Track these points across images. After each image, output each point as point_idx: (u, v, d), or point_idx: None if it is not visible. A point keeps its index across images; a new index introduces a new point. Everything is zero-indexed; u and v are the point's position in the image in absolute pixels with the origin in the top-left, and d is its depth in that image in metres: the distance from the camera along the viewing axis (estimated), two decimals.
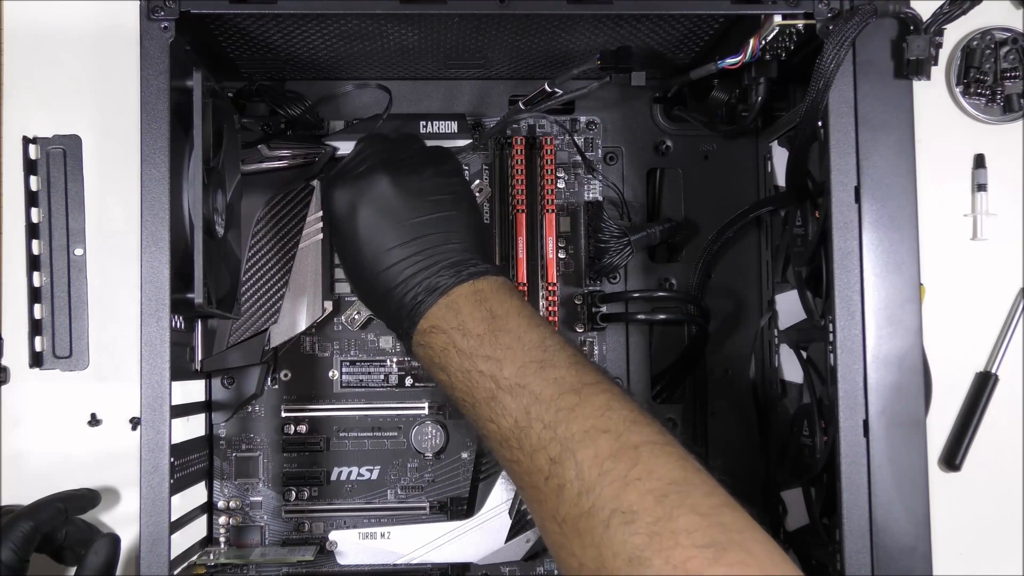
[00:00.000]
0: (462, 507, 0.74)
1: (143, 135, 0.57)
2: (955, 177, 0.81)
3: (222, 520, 0.73)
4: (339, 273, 0.74)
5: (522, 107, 0.71)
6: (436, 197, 0.59)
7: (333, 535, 0.71)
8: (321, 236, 0.72)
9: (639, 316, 0.76)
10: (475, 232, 0.60)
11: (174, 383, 0.58)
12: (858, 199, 0.59)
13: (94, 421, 0.75)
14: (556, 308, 0.72)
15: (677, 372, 0.76)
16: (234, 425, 0.74)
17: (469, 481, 0.75)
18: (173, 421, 0.57)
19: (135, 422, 0.74)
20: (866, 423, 0.58)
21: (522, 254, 0.72)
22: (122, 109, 0.75)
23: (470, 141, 0.73)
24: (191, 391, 0.71)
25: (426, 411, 0.75)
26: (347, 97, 0.75)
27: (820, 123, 0.60)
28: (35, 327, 0.74)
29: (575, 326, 0.76)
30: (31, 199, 0.75)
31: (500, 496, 0.72)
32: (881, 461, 0.58)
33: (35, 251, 0.74)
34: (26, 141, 0.75)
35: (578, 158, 0.76)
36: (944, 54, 0.80)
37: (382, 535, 0.71)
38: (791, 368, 0.72)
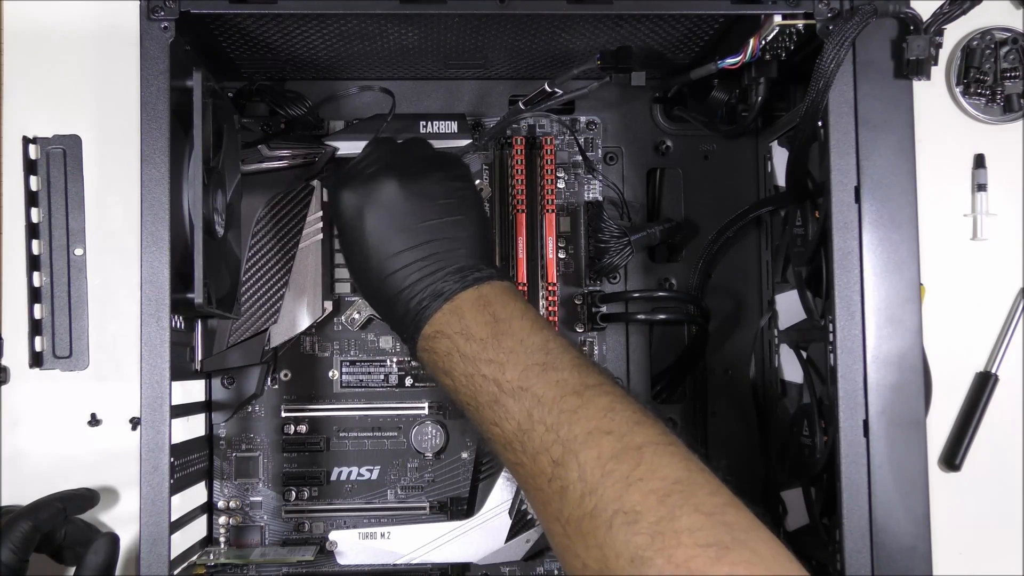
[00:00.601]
0: (462, 507, 0.74)
1: (143, 135, 0.57)
2: (955, 177, 0.81)
3: (222, 520, 0.73)
4: (339, 273, 0.74)
5: (522, 107, 0.71)
6: (444, 202, 0.59)
7: (333, 535, 0.71)
8: (321, 236, 0.72)
9: (639, 316, 0.75)
10: (481, 237, 0.60)
11: (174, 383, 0.58)
12: (858, 199, 0.59)
13: (94, 421, 0.75)
14: (556, 308, 0.72)
15: (677, 372, 0.76)
16: (234, 425, 0.74)
17: (469, 481, 0.75)
18: (173, 421, 0.57)
19: (135, 422, 0.74)
20: (866, 423, 0.58)
21: (522, 254, 0.72)
22: (122, 109, 0.75)
23: (470, 141, 0.73)
24: (191, 391, 0.71)
25: (426, 411, 0.75)
26: (348, 97, 0.75)
27: (820, 123, 0.60)
28: (35, 327, 0.74)
29: (575, 326, 0.76)
30: (31, 199, 0.75)
31: (500, 496, 0.72)
32: (881, 461, 0.58)
33: (35, 251, 0.74)
34: (26, 141, 0.75)
35: (578, 158, 0.76)
36: (944, 54, 0.80)
37: (382, 535, 0.71)
38: (791, 368, 0.72)
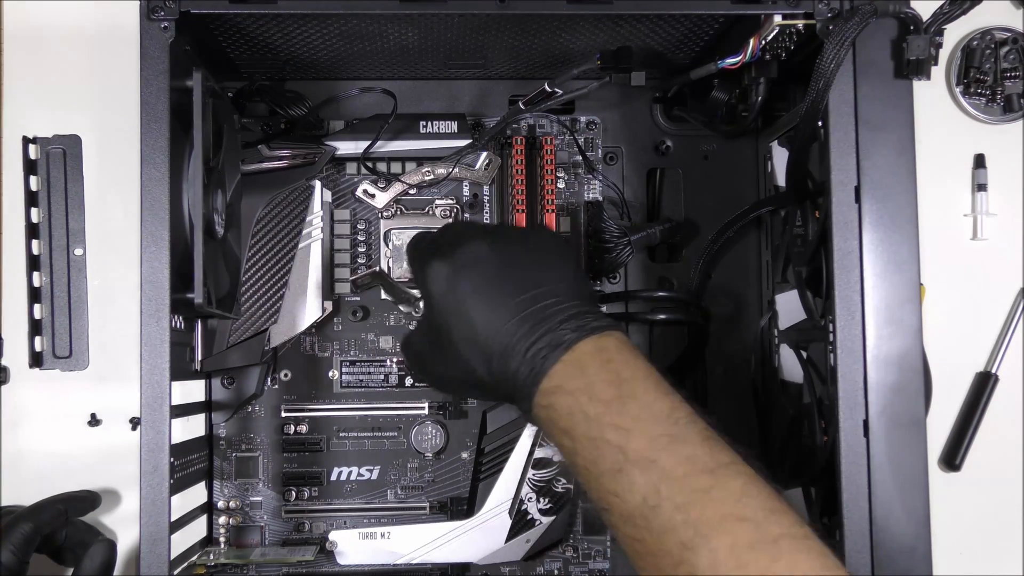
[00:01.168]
0: (462, 507, 0.74)
1: (143, 135, 0.57)
2: (955, 177, 0.81)
3: (222, 520, 0.73)
4: (339, 273, 0.75)
5: (522, 107, 0.71)
6: (539, 250, 0.57)
7: (333, 535, 0.71)
8: (321, 236, 0.72)
9: (639, 316, 0.75)
10: (583, 285, 0.57)
11: (174, 383, 0.58)
12: (858, 199, 0.59)
13: (94, 421, 0.75)
14: None
15: (677, 372, 0.76)
16: (234, 425, 0.74)
17: (469, 481, 0.75)
18: (173, 421, 0.57)
19: (135, 422, 0.74)
20: (866, 423, 0.58)
21: None
22: (122, 109, 0.75)
23: (470, 141, 0.73)
24: (191, 391, 0.71)
25: (426, 411, 0.75)
26: (349, 99, 0.75)
27: (820, 123, 0.60)
28: (35, 327, 0.74)
29: None
30: (31, 199, 0.75)
31: (500, 496, 0.72)
32: (881, 461, 0.58)
33: (35, 251, 0.74)
34: (26, 141, 0.75)
35: (578, 158, 0.76)
36: (944, 54, 0.80)
37: (382, 535, 0.71)
38: (791, 368, 0.72)
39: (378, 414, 0.75)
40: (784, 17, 0.60)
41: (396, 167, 0.74)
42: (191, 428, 0.71)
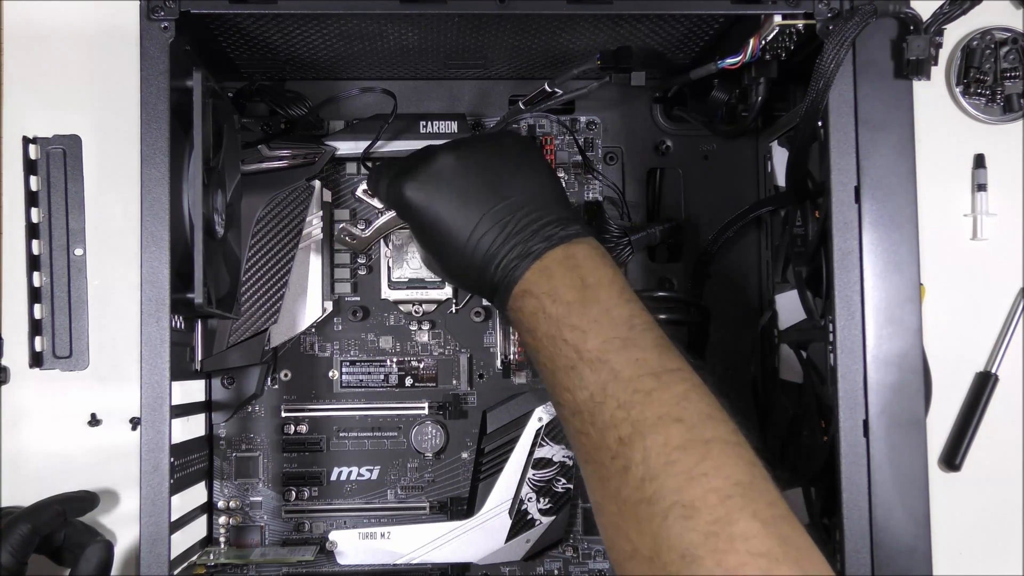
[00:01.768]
0: (462, 507, 0.74)
1: (143, 135, 0.57)
2: (955, 177, 0.81)
3: (222, 520, 0.73)
4: (339, 273, 0.75)
5: (522, 107, 0.71)
6: (508, 159, 0.59)
7: (333, 535, 0.71)
8: (321, 236, 0.72)
9: None
10: (554, 190, 0.59)
11: (174, 383, 0.58)
12: (858, 199, 0.59)
13: (94, 421, 0.75)
14: None
15: None
16: (234, 425, 0.74)
17: (469, 481, 0.75)
18: (173, 421, 0.57)
19: (135, 422, 0.74)
20: (866, 423, 0.58)
21: None
22: (122, 109, 0.75)
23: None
24: (191, 391, 0.71)
25: (426, 411, 0.75)
26: (349, 99, 0.75)
27: (820, 123, 0.60)
28: (35, 327, 0.74)
29: None
30: (31, 199, 0.75)
31: (500, 496, 0.72)
32: (881, 461, 0.58)
33: (35, 251, 0.74)
34: (26, 141, 0.75)
35: (578, 158, 0.76)
36: (944, 54, 0.80)
37: (382, 535, 0.71)
38: (791, 368, 0.72)
39: (378, 414, 0.75)
40: (784, 17, 0.60)
41: None
42: (191, 428, 0.71)
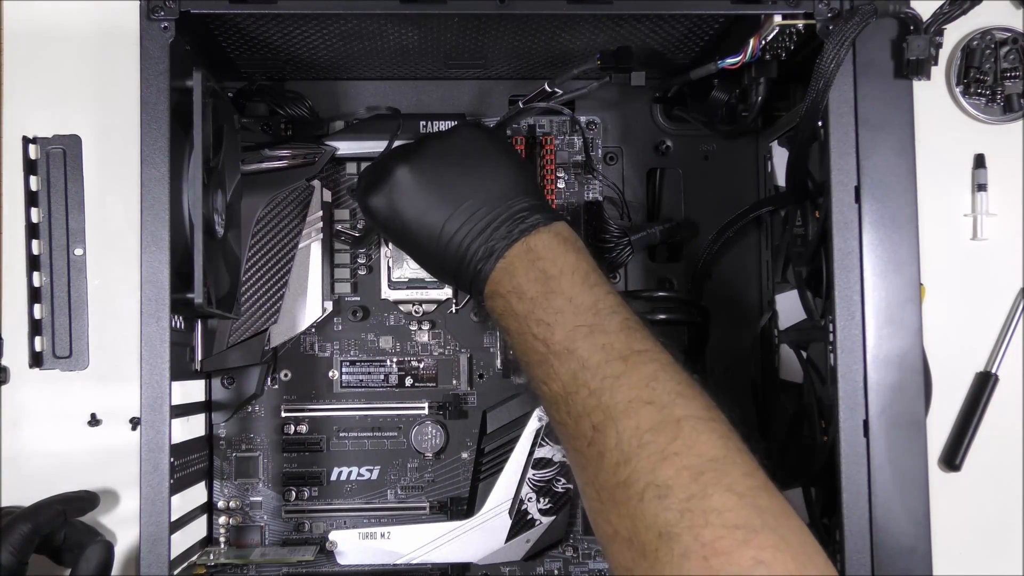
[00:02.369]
0: (462, 507, 0.74)
1: (143, 135, 0.57)
2: (955, 177, 0.81)
3: (222, 520, 0.73)
4: (339, 273, 0.75)
5: (522, 107, 0.71)
6: (460, 161, 0.59)
7: (333, 535, 0.71)
8: (321, 236, 0.72)
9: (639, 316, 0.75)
10: (513, 180, 0.59)
11: (174, 383, 0.58)
12: (858, 199, 0.59)
13: (94, 421, 0.75)
14: None
15: None
16: (234, 425, 0.74)
17: (469, 481, 0.75)
18: (173, 421, 0.57)
19: (135, 422, 0.74)
20: (866, 423, 0.58)
21: None
22: (122, 109, 0.75)
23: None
24: (191, 391, 0.71)
25: (426, 411, 0.75)
26: (347, 97, 0.75)
27: (820, 123, 0.60)
28: (35, 327, 0.74)
29: None
30: (31, 199, 0.75)
31: (500, 496, 0.72)
32: (881, 461, 0.58)
33: (35, 251, 0.74)
34: (26, 141, 0.75)
35: (578, 158, 0.76)
36: (944, 54, 0.80)
37: (382, 535, 0.71)
38: (791, 368, 0.72)
39: (378, 414, 0.75)
40: (784, 17, 0.60)
41: None
42: (191, 428, 0.71)
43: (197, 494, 0.72)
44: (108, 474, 0.74)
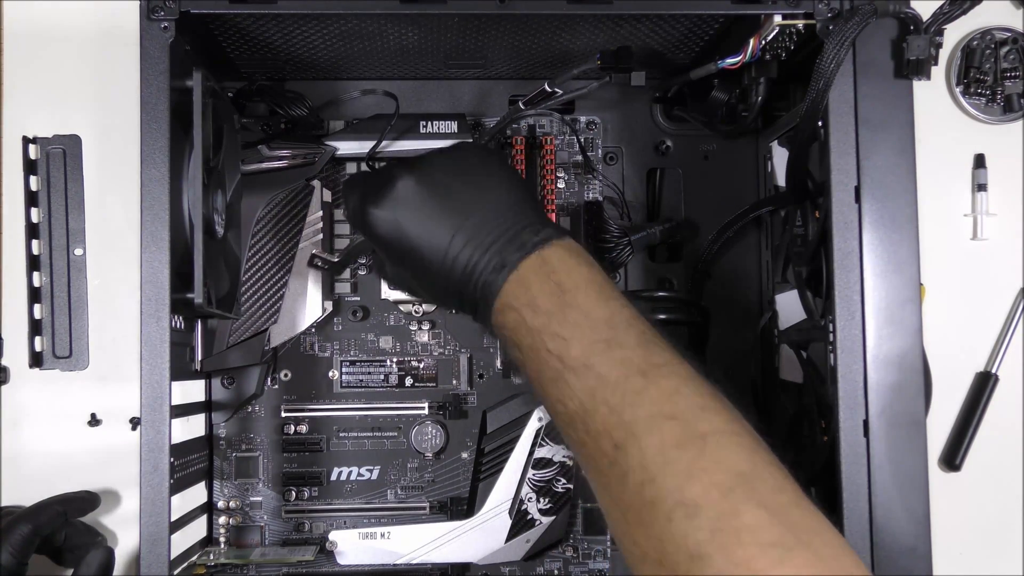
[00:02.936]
0: (462, 507, 0.74)
1: (143, 135, 0.57)
2: (955, 177, 0.81)
3: (222, 520, 0.73)
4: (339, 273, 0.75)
5: (522, 107, 0.71)
6: (469, 173, 0.57)
7: (333, 535, 0.71)
8: (321, 236, 0.72)
9: None
10: (524, 193, 0.58)
11: (174, 383, 0.58)
12: (858, 199, 0.59)
13: (94, 421, 0.75)
14: None
15: None
16: (234, 425, 0.74)
17: (469, 481, 0.75)
18: (173, 421, 0.57)
19: (135, 422, 0.74)
20: (866, 423, 0.58)
21: None
22: (122, 109, 0.75)
23: (470, 141, 0.73)
24: (191, 391, 0.71)
25: (426, 411, 0.75)
26: (350, 100, 0.75)
27: (820, 123, 0.60)
28: (35, 327, 0.74)
29: None
30: (31, 199, 0.75)
31: (500, 496, 0.72)
32: (881, 461, 0.58)
33: (35, 251, 0.74)
34: (26, 141, 0.75)
35: (578, 158, 0.76)
36: (944, 54, 0.80)
37: (382, 535, 0.71)
38: (791, 368, 0.72)
39: (378, 414, 0.75)
40: (784, 17, 0.60)
41: None
42: (191, 428, 0.71)
43: (197, 494, 0.72)
44: (108, 474, 0.74)
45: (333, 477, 0.75)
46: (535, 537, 0.72)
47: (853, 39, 0.57)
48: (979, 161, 0.80)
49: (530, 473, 0.72)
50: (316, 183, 0.72)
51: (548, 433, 0.72)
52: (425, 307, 0.75)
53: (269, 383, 0.75)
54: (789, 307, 0.72)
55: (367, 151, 0.72)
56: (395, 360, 0.75)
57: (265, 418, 0.75)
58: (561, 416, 0.52)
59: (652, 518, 0.46)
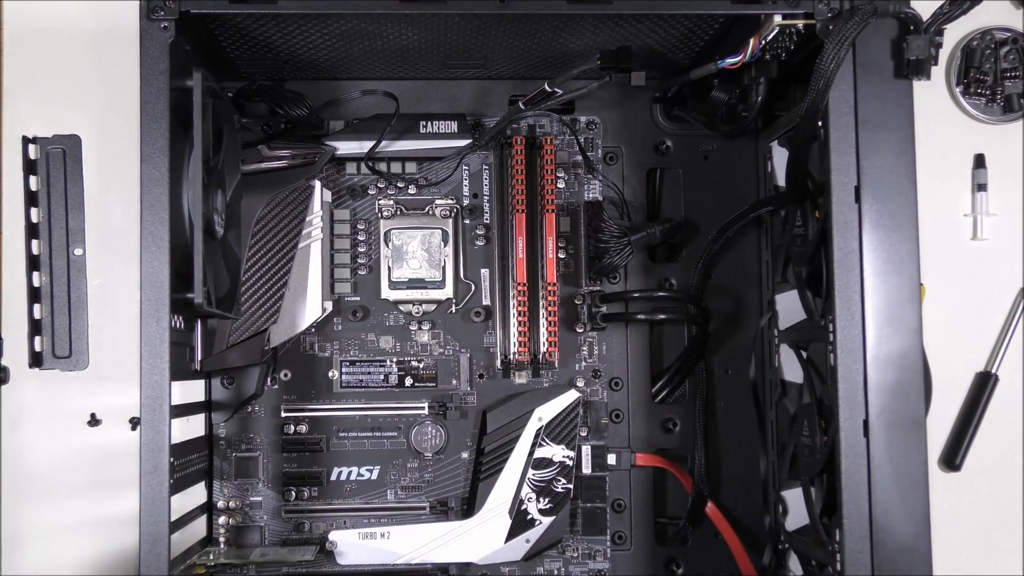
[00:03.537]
0: (462, 507, 0.74)
1: (143, 135, 0.57)
2: (955, 177, 0.81)
3: (222, 520, 0.73)
4: (339, 273, 0.75)
5: (522, 107, 0.71)
6: None
7: (333, 535, 0.71)
8: (321, 236, 0.72)
9: (639, 316, 0.76)
10: None
11: (174, 383, 0.58)
12: (858, 199, 0.59)
13: (94, 421, 0.75)
14: (556, 308, 0.72)
15: (677, 372, 0.76)
16: (234, 425, 0.74)
17: (469, 481, 0.75)
18: (173, 421, 0.58)
19: (135, 422, 0.74)
20: (866, 423, 0.58)
21: (522, 254, 0.72)
22: (122, 109, 0.75)
23: (470, 141, 0.73)
24: (191, 391, 0.71)
25: (426, 411, 0.75)
26: (350, 100, 0.75)
27: (820, 123, 0.60)
28: (35, 327, 0.74)
29: (575, 326, 0.76)
30: (31, 199, 0.75)
31: (500, 496, 0.72)
32: (881, 461, 0.58)
33: (35, 251, 0.74)
34: (26, 141, 0.75)
35: (578, 158, 0.76)
36: (944, 54, 0.80)
37: (382, 535, 0.71)
38: (791, 368, 0.72)
39: (378, 414, 0.75)
40: (784, 17, 0.60)
41: (397, 167, 0.74)
42: (191, 428, 0.71)
43: (197, 494, 0.72)
44: (108, 474, 0.74)
45: (333, 477, 0.75)
46: (535, 537, 0.72)
47: (853, 39, 0.57)
48: (979, 161, 0.80)
49: (530, 473, 0.72)
50: (316, 183, 0.72)
51: (548, 433, 0.72)
52: (425, 307, 0.75)
53: (269, 383, 0.75)
54: (789, 307, 0.72)
55: (367, 151, 0.72)
56: (395, 360, 0.75)
57: (265, 418, 0.75)
58: None
59: None
